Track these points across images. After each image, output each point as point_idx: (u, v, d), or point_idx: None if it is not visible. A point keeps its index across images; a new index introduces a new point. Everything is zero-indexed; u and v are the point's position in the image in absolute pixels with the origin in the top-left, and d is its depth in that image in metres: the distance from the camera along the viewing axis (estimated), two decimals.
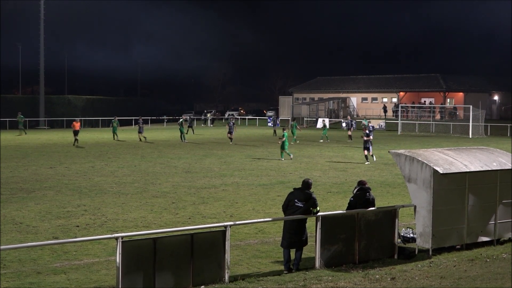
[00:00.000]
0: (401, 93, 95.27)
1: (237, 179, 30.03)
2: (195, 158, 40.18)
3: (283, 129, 40.66)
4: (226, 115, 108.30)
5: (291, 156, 39.51)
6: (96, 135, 62.04)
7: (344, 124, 78.14)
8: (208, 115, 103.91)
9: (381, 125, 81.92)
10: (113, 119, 61.44)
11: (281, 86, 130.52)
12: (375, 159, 37.96)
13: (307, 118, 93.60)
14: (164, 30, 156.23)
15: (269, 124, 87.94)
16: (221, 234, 13.44)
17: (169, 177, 30.58)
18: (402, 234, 16.87)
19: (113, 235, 12.39)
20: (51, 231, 18.42)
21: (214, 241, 13.39)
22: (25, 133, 67.21)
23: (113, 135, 58.25)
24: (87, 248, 16.29)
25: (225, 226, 13.54)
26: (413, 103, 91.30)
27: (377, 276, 13.86)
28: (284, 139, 39.14)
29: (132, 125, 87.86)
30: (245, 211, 21.93)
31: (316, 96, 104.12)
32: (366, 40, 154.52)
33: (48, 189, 26.55)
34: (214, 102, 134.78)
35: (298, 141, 54.19)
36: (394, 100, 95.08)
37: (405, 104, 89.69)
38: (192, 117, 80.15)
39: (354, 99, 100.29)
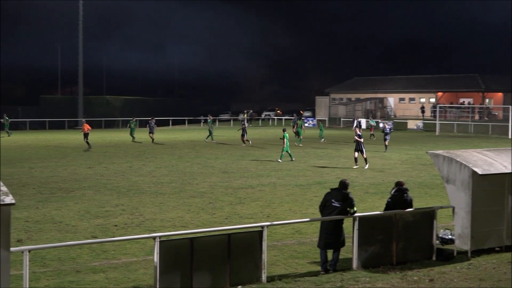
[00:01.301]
0: (439, 93, 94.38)
1: (274, 180, 30.04)
2: (232, 158, 40.27)
3: (284, 130, 39.51)
4: (263, 115, 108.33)
5: (293, 158, 38.83)
6: (140, 136, 62.33)
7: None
8: (245, 115, 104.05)
9: (419, 126, 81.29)
10: (131, 119, 60.69)
11: (318, 86, 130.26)
12: (367, 166, 35.17)
13: (344, 118, 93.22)
14: (200, 31, 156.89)
15: (306, 124, 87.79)
16: (258, 234, 13.45)
17: (206, 177, 30.69)
18: (440, 235, 16.72)
19: (151, 235, 12.48)
20: (90, 230, 18.61)
21: (251, 241, 13.40)
22: (9, 135, 63.80)
23: (132, 136, 56.85)
24: (125, 248, 16.43)
25: (262, 227, 13.55)
26: (451, 103, 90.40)
27: (415, 278, 13.77)
28: (284, 139, 38.45)
29: (169, 125, 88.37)
30: (282, 211, 21.93)
31: (353, 96, 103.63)
32: (403, 39, 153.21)
33: (87, 188, 26.83)
34: (251, 102, 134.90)
35: (301, 145, 51.52)
36: (432, 100, 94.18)
37: (443, 104, 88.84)
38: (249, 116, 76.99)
39: (392, 100, 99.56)
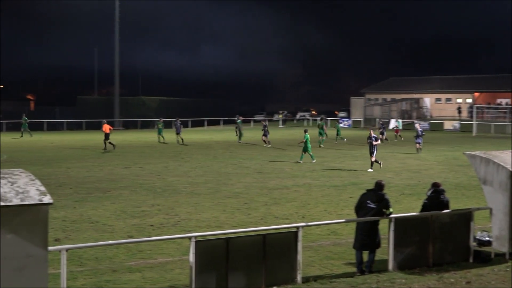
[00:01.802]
0: (476, 94, 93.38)
1: (309, 180, 29.99)
2: (267, 158, 40.28)
3: (305, 131, 39.63)
4: (298, 116, 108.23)
5: (314, 160, 38.01)
6: (168, 136, 62.65)
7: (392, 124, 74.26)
8: (280, 115, 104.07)
9: (455, 126, 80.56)
10: (158, 120, 60.62)
11: (353, 86, 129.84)
12: (380, 165, 34.78)
13: (379, 119, 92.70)
14: (235, 32, 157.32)
15: (341, 125, 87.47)
16: (293, 235, 13.44)
17: (241, 178, 30.74)
18: (477, 237, 16.53)
19: (187, 235, 12.54)
20: (126, 230, 18.75)
21: (286, 242, 13.39)
22: (30, 135, 63.02)
23: (158, 137, 56.30)
24: (161, 247, 16.52)
25: (297, 227, 13.53)
26: (489, 103, 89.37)
27: (451, 280, 13.65)
28: (304, 140, 38.10)
29: (204, 126, 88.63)
30: (317, 212, 21.88)
31: (389, 97, 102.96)
32: (439, 39, 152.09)
33: (123, 188, 27.03)
34: (286, 103, 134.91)
35: (322, 145, 50.35)
36: (469, 100, 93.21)
37: (480, 104, 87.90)
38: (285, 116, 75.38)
39: (428, 100, 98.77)
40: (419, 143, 44.20)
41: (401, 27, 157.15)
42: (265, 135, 51.65)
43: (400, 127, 62.57)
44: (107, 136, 47.48)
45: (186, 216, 20.88)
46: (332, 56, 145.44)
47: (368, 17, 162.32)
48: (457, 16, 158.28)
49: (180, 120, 58.08)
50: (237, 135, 57.76)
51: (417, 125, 46.69)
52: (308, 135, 38.49)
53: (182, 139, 54.61)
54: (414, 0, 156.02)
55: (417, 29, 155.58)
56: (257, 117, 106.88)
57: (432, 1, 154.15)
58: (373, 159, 34.54)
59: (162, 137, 56.14)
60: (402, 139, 58.28)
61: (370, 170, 33.90)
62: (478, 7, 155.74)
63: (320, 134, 52.58)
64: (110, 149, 46.28)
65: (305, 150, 38.17)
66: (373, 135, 35.19)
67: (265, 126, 52.69)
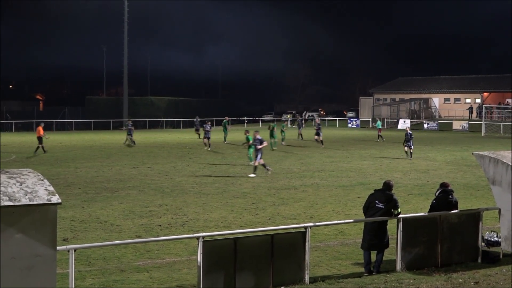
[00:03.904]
0: (485, 94, 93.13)
1: (317, 180, 29.97)
2: (275, 159, 40.27)
3: (245, 133, 36.27)
4: (306, 116, 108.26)
5: (252, 162, 33.48)
6: (178, 136, 62.93)
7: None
8: (289, 116, 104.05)
9: (464, 126, 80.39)
10: (127, 121, 57.71)
11: (361, 87, 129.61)
12: (268, 171, 31.89)
13: (388, 119, 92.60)
14: (244, 31, 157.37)
15: (349, 125, 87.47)
16: (301, 235, 13.44)
17: (249, 178, 30.74)
18: (486, 237, 16.48)
19: (195, 235, 12.54)
20: (134, 230, 18.78)
21: (294, 242, 13.39)
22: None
23: (126, 139, 53.02)
24: (169, 247, 16.54)
25: (305, 227, 13.53)
26: (499, 103, 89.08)
27: (460, 280, 13.62)
28: (249, 142, 34.46)
29: (213, 126, 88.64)
30: (325, 212, 21.86)
31: (397, 97, 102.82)
32: (448, 39, 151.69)
33: (131, 188, 27.08)
34: (295, 103, 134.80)
35: (275, 148, 47.77)
36: (478, 100, 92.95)
37: (489, 104, 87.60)
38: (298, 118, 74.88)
39: (436, 100, 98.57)
40: (409, 146, 40.43)
41: (410, 26, 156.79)
42: (317, 134, 52.17)
43: (380, 127, 62.01)
44: (39, 139, 43.86)
45: (194, 216, 20.90)
46: (341, 56, 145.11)
47: (376, 17, 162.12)
48: (465, 16, 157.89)
49: (132, 121, 55.93)
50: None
51: (407, 128, 44.01)
52: (251, 136, 34.71)
53: (133, 141, 52.18)
54: (423, 0, 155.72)
55: (426, 29, 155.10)
56: (265, 117, 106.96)
57: (442, 1, 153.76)
58: (256, 163, 31.75)
59: (131, 139, 53.02)
60: (384, 140, 58.10)
61: (252, 175, 31.17)
62: (487, 6, 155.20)
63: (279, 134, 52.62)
64: (40, 152, 43.31)
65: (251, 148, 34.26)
66: (257, 137, 32.27)
67: (319, 125, 53.53)
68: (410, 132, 40.73)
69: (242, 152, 45.28)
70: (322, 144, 50.73)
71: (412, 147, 40.78)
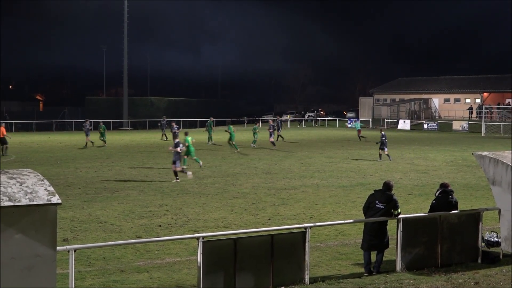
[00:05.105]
0: (485, 94, 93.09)
1: (317, 181, 29.97)
2: (275, 159, 40.28)
3: (185, 133, 34.43)
4: (306, 116, 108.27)
5: (201, 162, 34.43)
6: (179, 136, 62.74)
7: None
8: (289, 116, 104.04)
9: (464, 127, 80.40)
10: (100, 123, 56.42)
11: (361, 87, 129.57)
12: (188, 176, 30.10)
13: (388, 119, 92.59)
14: (244, 32, 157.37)
15: (349, 125, 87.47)
16: (301, 235, 13.44)
17: (249, 178, 30.75)
18: (486, 238, 16.48)
19: (195, 235, 12.54)
20: (134, 230, 18.78)
21: (294, 242, 13.39)
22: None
23: (101, 140, 52.16)
24: (169, 248, 16.54)
25: (305, 228, 13.53)
26: (499, 104, 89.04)
27: (460, 281, 13.62)
28: (187, 144, 32.64)
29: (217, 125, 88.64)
30: (325, 212, 21.86)
31: (397, 97, 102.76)
32: (447, 39, 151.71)
33: (131, 189, 27.08)
34: (294, 103, 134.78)
35: (211, 142, 48.14)
36: (478, 101, 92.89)
37: (489, 105, 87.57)
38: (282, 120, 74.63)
39: (436, 100, 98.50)
40: (383, 149, 39.30)
41: (410, 26, 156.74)
42: (272, 134, 51.26)
43: (359, 127, 62.05)
44: (2, 140, 42.63)
45: (194, 217, 20.90)
46: (341, 56, 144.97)
47: (377, 17, 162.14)
48: (467, 15, 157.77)
49: (90, 122, 54.83)
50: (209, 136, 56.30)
51: (381, 130, 42.25)
52: (189, 138, 33.59)
53: (92, 142, 51.04)
54: (423, 0, 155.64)
55: (426, 29, 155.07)
56: (265, 117, 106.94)
57: (440, 1, 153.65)
58: (178, 168, 29.93)
59: (104, 141, 52.06)
60: (365, 138, 58.25)
61: (175, 180, 29.57)
62: (487, 6, 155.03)
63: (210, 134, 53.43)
64: (10, 153, 42.75)
65: (188, 154, 32.95)
66: (176, 140, 31.02)
67: (273, 126, 52.31)
68: (383, 133, 39.80)
69: (242, 152, 45.30)
70: (274, 145, 50.30)
71: (386, 149, 39.47)
